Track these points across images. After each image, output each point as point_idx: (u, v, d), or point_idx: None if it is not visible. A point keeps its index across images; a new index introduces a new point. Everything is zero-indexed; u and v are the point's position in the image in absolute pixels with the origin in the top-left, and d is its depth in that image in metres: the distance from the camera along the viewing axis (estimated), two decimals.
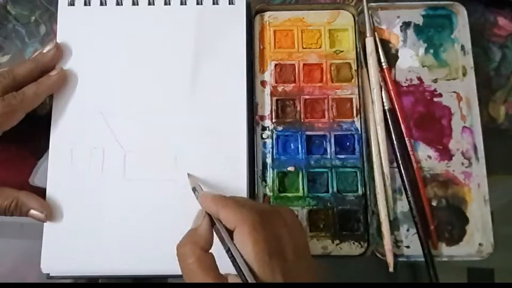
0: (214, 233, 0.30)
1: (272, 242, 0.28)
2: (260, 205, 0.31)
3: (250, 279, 0.27)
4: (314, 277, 0.30)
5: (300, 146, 0.41)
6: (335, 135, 0.41)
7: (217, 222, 0.30)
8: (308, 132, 0.41)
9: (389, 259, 0.38)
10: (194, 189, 0.36)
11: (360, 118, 0.41)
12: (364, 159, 0.40)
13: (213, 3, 0.42)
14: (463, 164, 0.41)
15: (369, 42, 0.42)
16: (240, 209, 0.29)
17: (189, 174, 0.38)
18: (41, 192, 0.38)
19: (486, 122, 0.43)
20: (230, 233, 0.29)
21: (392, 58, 0.43)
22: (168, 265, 0.37)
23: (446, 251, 0.40)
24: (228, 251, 0.28)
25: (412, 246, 0.40)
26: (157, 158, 0.39)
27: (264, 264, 0.27)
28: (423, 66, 0.43)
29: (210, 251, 0.30)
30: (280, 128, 0.41)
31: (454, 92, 0.42)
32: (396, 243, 0.40)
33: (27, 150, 0.42)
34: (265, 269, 0.27)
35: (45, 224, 0.38)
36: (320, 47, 0.43)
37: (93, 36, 0.41)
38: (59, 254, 0.38)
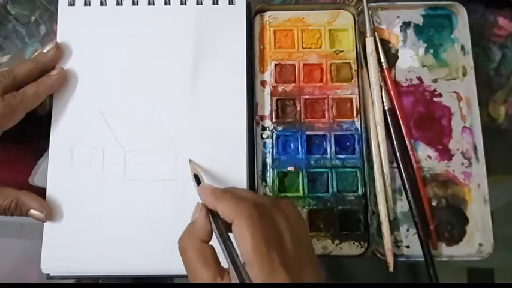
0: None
1: (270, 234, 0.28)
2: (259, 198, 0.31)
3: (244, 275, 0.27)
4: (315, 268, 0.29)
5: (300, 146, 0.41)
6: (335, 135, 0.41)
7: (213, 216, 0.31)
8: (308, 132, 0.41)
9: (390, 259, 0.38)
10: (195, 176, 0.35)
11: (360, 118, 0.41)
12: (364, 159, 0.40)
13: (213, 3, 0.42)
14: (463, 164, 0.41)
15: (369, 42, 0.42)
16: (237, 202, 0.29)
17: (190, 161, 0.38)
18: (41, 192, 0.38)
19: (486, 122, 0.43)
20: (228, 226, 0.29)
21: (392, 58, 0.43)
22: (168, 265, 0.37)
23: (446, 251, 0.40)
24: (223, 244, 0.29)
25: (412, 246, 0.40)
26: (157, 158, 0.39)
27: (263, 256, 0.27)
28: (423, 66, 0.43)
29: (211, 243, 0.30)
30: (280, 128, 0.41)
31: (454, 92, 0.42)
32: (396, 243, 0.40)
33: (27, 150, 0.42)
34: (264, 260, 0.27)
35: (45, 224, 0.38)
36: (320, 47, 0.43)
37: (93, 36, 0.41)
38: (59, 254, 0.38)
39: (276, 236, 0.28)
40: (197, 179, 0.35)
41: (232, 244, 0.29)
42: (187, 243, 0.30)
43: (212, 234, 0.30)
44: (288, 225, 0.29)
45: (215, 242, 0.30)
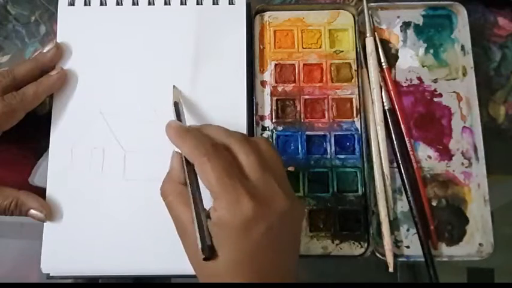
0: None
1: (232, 166, 0.29)
2: (223, 135, 0.31)
3: (204, 223, 0.28)
4: (290, 196, 0.29)
5: (300, 146, 0.41)
6: (335, 135, 0.41)
7: (186, 162, 0.31)
8: (308, 132, 0.41)
9: (389, 259, 0.38)
10: (176, 105, 0.36)
11: (360, 118, 0.41)
12: (364, 159, 0.40)
13: (213, 3, 0.42)
14: (463, 164, 0.41)
15: (369, 42, 0.42)
16: (195, 143, 0.30)
17: (174, 87, 0.39)
18: (41, 192, 0.38)
19: (486, 122, 0.43)
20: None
21: (392, 58, 0.43)
22: (168, 265, 0.37)
23: (446, 251, 0.40)
24: (190, 188, 0.30)
25: (412, 246, 0.40)
26: (157, 158, 0.39)
27: (226, 186, 0.28)
28: (423, 66, 0.43)
29: None
30: (280, 128, 0.41)
31: (454, 92, 0.42)
32: (396, 243, 0.40)
33: (27, 150, 0.42)
34: (228, 190, 0.28)
35: (45, 224, 0.38)
36: (320, 47, 0.43)
37: (93, 36, 0.41)
38: (59, 254, 0.38)
39: (238, 167, 0.29)
40: (177, 110, 0.36)
41: (199, 190, 0.30)
42: (167, 188, 0.31)
43: None
44: (256, 157, 0.30)
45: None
